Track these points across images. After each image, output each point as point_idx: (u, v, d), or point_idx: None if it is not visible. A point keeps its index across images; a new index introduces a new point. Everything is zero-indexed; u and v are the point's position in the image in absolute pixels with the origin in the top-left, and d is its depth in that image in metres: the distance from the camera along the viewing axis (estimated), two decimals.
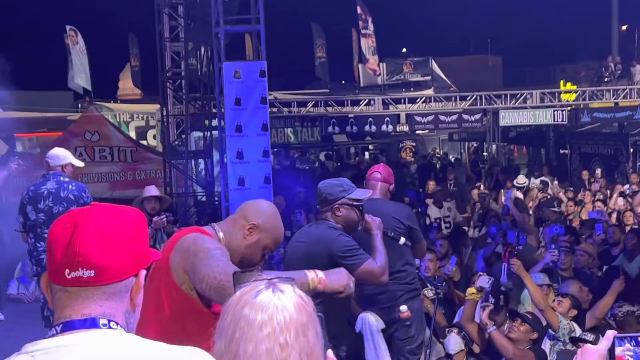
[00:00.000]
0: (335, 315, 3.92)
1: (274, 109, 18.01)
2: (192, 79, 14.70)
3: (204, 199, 14.80)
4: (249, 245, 3.00)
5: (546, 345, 5.44)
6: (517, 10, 40.59)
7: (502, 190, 14.46)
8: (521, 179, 15.24)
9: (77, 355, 1.42)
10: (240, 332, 1.64)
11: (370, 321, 4.88)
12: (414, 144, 28.62)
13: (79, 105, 24.20)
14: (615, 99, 20.21)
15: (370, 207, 4.42)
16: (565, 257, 7.15)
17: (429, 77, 25.56)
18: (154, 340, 1.54)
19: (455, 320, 6.12)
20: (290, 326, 1.64)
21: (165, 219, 7.27)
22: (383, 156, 26.95)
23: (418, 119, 20.22)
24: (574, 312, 5.71)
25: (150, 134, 21.40)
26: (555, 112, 19.54)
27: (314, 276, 2.85)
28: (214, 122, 13.19)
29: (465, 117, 20.17)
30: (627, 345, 1.68)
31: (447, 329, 5.90)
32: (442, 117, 20.14)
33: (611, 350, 1.68)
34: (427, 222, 11.73)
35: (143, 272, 1.57)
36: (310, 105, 19.69)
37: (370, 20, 24.57)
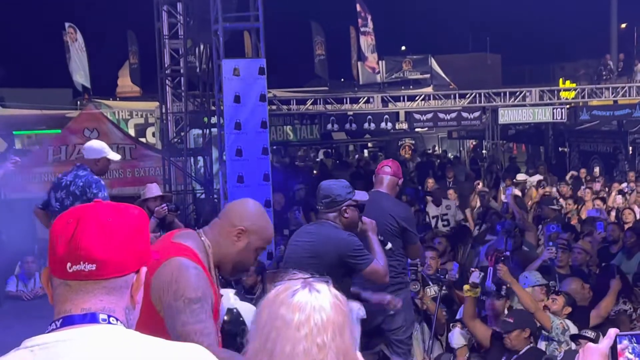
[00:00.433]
0: None
1: (273, 107, 18.01)
2: (191, 77, 14.68)
3: (203, 196, 14.80)
4: (240, 251, 2.92)
5: (541, 346, 5.46)
6: (516, 8, 40.54)
7: (500, 188, 14.47)
8: (521, 177, 15.26)
9: (77, 350, 1.42)
10: (277, 332, 1.63)
11: (352, 308, 4.92)
12: (413, 141, 28.63)
13: (78, 102, 24.16)
14: (614, 96, 20.21)
15: (372, 198, 4.51)
16: (562, 254, 7.16)
17: (428, 75, 25.54)
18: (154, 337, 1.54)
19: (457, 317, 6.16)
20: (328, 326, 1.63)
21: (166, 207, 7.26)
22: (382, 154, 26.95)
23: (417, 116, 20.22)
24: (568, 310, 5.72)
25: (149, 131, 21.39)
26: (555, 110, 19.53)
27: None
28: (213, 120, 13.19)
29: (465, 114, 20.17)
30: (625, 342, 1.68)
31: (451, 324, 5.96)
32: (441, 115, 20.13)
33: (613, 349, 1.68)
34: (427, 219, 11.75)
35: (144, 269, 1.58)
36: (310, 103, 19.68)
37: (369, 18, 24.54)
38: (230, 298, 3.16)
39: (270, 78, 11.72)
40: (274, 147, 21.67)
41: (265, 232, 3.00)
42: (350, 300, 5.05)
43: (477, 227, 11.71)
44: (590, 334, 5.08)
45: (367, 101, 19.90)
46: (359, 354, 1.75)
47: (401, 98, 20.51)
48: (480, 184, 14.97)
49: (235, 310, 3.11)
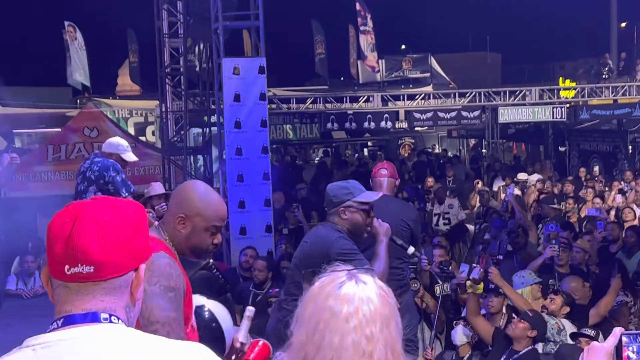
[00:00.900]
0: None
1: (273, 106, 18.01)
2: (191, 75, 14.68)
3: None
4: (188, 236, 2.88)
5: (538, 347, 5.46)
6: (516, 7, 40.55)
7: (500, 187, 14.48)
8: (521, 176, 15.27)
9: (79, 348, 1.42)
10: (325, 324, 1.63)
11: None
12: (413, 140, 28.63)
13: (78, 101, 24.16)
14: (614, 96, 20.21)
15: (377, 204, 4.40)
16: (562, 253, 7.17)
17: (428, 74, 25.54)
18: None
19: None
20: (376, 318, 1.64)
21: (165, 205, 7.26)
22: (382, 153, 26.96)
23: (417, 115, 20.21)
24: (567, 310, 5.72)
25: (149, 130, 21.41)
26: (554, 109, 19.53)
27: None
28: (213, 119, 13.18)
29: (464, 113, 20.16)
30: (625, 339, 1.69)
31: (454, 322, 5.98)
32: (441, 114, 20.13)
33: (618, 348, 1.68)
34: (426, 218, 11.76)
35: (143, 266, 1.57)
36: (309, 102, 19.68)
37: (369, 17, 24.52)
38: (199, 298, 3.13)
39: (270, 77, 11.72)
40: (274, 146, 21.68)
41: (208, 211, 2.91)
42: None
43: (477, 226, 11.73)
44: (590, 332, 5.08)
45: (367, 100, 19.89)
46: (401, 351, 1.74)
47: (401, 97, 20.52)
48: (480, 183, 14.97)
49: (204, 307, 3.09)
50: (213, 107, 12.71)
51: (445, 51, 32.69)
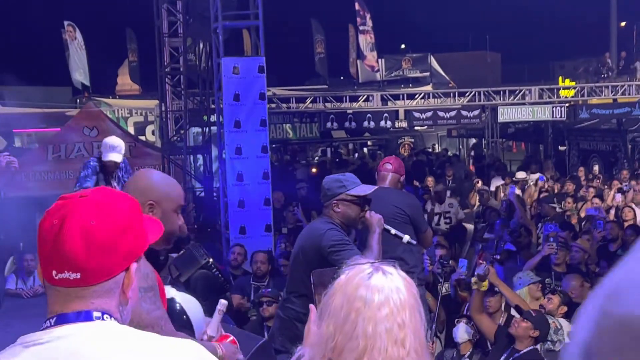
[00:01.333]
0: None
1: (273, 105, 18.00)
2: (191, 75, 14.68)
3: (202, 194, 14.80)
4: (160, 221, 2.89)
5: (536, 346, 5.47)
6: (515, 6, 40.53)
7: (500, 186, 14.47)
8: (520, 175, 15.26)
9: (73, 345, 1.41)
10: (357, 313, 1.67)
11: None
12: (413, 140, 28.62)
13: (78, 100, 24.15)
14: (614, 95, 20.20)
15: (375, 194, 4.40)
16: (559, 252, 7.17)
17: (427, 73, 25.55)
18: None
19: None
20: (405, 306, 1.69)
21: None
22: (381, 152, 26.95)
23: (417, 115, 20.20)
24: (564, 309, 5.72)
25: (149, 129, 21.40)
26: (554, 109, 19.53)
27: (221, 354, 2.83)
28: (213, 118, 13.18)
29: (464, 113, 20.16)
30: None
31: (456, 319, 5.99)
32: (440, 113, 20.12)
33: None
34: (426, 218, 11.74)
35: (134, 266, 1.53)
36: (309, 101, 19.68)
37: (368, 16, 24.53)
38: (169, 290, 3.13)
39: (270, 76, 11.70)
40: (274, 146, 21.67)
41: (174, 192, 2.90)
42: None
43: (477, 225, 11.73)
44: None
45: (367, 99, 19.89)
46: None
47: (400, 96, 20.52)
48: (480, 182, 14.97)
49: (175, 300, 3.08)
50: (213, 106, 12.71)
51: (445, 50, 32.73)
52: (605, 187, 13.50)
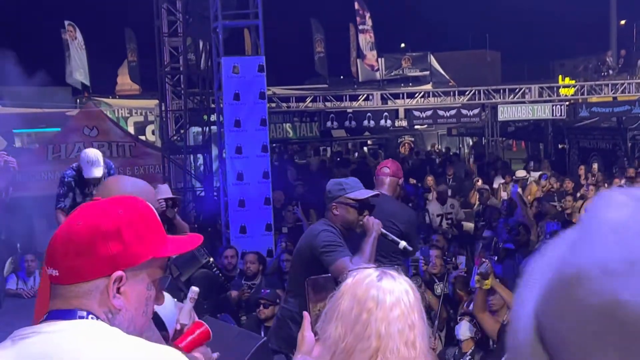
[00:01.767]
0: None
1: (273, 104, 18.01)
2: (191, 74, 14.69)
3: (202, 194, 14.80)
4: None
5: None
6: (515, 5, 40.52)
7: (500, 185, 14.48)
8: (520, 173, 15.27)
9: (54, 340, 1.42)
10: (369, 314, 1.68)
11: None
12: (413, 139, 28.62)
13: (78, 100, 24.13)
14: (613, 93, 20.20)
15: (374, 202, 4.42)
16: None
17: (427, 72, 25.56)
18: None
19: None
20: (415, 308, 1.73)
21: (163, 203, 7.23)
22: (382, 151, 26.95)
23: (416, 113, 20.21)
24: None
25: (149, 129, 21.39)
26: (554, 107, 19.54)
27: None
28: (213, 117, 13.19)
29: (464, 112, 20.17)
30: None
31: (459, 317, 6.00)
32: (440, 112, 20.13)
33: None
34: (427, 219, 11.72)
35: (118, 274, 1.49)
36: (309, 101, 19.69)
37: (368, 15, 24.53)
38: None
39: (270, 76, 11.70)
40: (274, 145, 21.66)
41: (147, 198, 2.75)
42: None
43: (477, 224, 11.74)
44: None
45: (367, 98, 19.90)
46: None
47: (400, 95, 20.52)
48: (480, 181, 14.97)
49: None
50: (213, 106, 12.71)
51: (445, 49, 32.75)
52: (605, 185, 13.49)
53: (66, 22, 22.67)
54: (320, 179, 15.33)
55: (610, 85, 20.35)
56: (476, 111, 20.30)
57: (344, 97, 20.05)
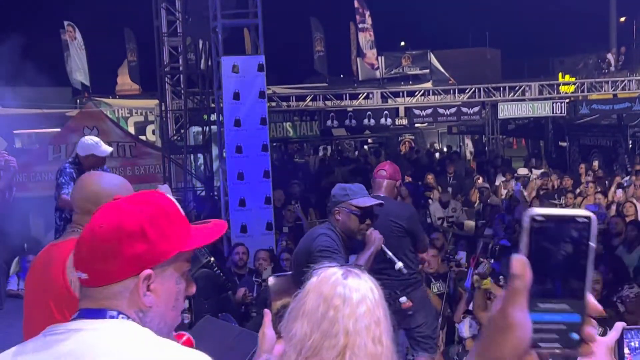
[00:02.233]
0: None
1: (273, 103, 18.00)
2: (191, 74, 14.68)
3: (203, 193, 14.80)
4: None
5: None
6: (515, 2, 40.52)
7: (501, 183, 14.48)
8: (522, 171, 15.27)
9: (84, 338, 1.43)
10: (336, 310, 1.68)
11: None
12: (413, 137, 28.60)
13: (78, 101, 24.13)
14: (614, 90, 20.19)
15: (377, 211, 4.41)
16: None
17: (427, 70, 25.52)
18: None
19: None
20: (379, 304, 1.74)
21: None
22: (382, 150, 26.93)
23: (417, 112, 20.20)
24: None
25: (149, 129, 21.38)
26: (554, 104, 19.53)
27: None
28: (213, 117, 13.18)
29: (464, 110, 20.16)
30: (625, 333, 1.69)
31: (462, 315, 6.01)
32: (440, 110, 20.12)
33: (620, 342, 1.68)
34: (429, 220, 11.71)
35: (145, 273, 1.49)
36: (309, 100, 19.68)
37: (367, 14, 24.51)
38: None
39: (270, 75, 11.70)
40: (274, 144, 21.65)
41: (130, 191, 2.69)
42: None
43: (478, 222, 11.74)
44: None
45: (367, 97, 19.89)
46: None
47: (400, 94, 20.51)
48: (480, 179, 14.97)
49: None
50: (213, 105, 12.71)
51: (445, 47, 32.65)
52: (605, 182, 13.49)
53: (65, 23, 22.67)
54: (320, 178, 15.31)
55: (610, 82, 20.34)
56: (476, 109, 20.29)
57: (344, 96, 20.04)
